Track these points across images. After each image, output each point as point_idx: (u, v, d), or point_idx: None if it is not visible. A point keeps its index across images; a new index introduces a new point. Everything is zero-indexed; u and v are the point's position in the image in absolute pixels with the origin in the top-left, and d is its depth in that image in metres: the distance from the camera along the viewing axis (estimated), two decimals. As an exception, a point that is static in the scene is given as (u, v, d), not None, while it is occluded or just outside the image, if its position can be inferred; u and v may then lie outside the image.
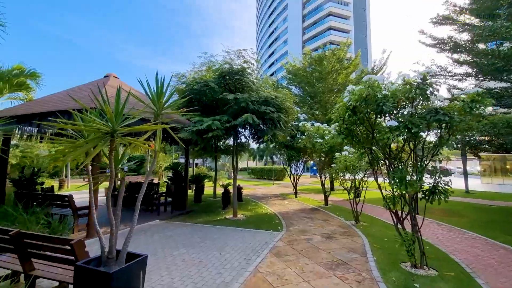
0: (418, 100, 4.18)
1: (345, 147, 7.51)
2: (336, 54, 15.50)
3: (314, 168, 38.25)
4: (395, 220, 4.53)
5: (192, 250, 5.11)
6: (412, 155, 4.43)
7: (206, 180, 12.41)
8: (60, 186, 16.70)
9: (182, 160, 16.41)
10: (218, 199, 12.49)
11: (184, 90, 8.22)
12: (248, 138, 9.50)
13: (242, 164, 46.56)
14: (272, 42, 74.96)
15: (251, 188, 18.38)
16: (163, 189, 11.90)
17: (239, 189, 11.79)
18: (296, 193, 13.32)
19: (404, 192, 3.94)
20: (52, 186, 8.41)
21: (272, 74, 59.17)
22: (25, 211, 5.92)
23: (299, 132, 11.62)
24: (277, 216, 8.66)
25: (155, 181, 16.65)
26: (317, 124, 10.40)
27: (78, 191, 16.46)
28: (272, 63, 71.18)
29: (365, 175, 7.55)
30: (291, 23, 65.40)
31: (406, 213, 4.39)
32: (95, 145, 2.39)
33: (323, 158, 10.80)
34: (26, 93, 9.22)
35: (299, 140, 10.99)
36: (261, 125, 7.27)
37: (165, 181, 10.10)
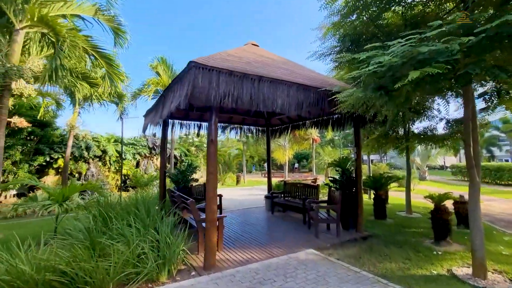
0: None
1: None
2: None
3: None
4: None
5: None
6: None
7: (392, 183, 7.86)
8: (237, 182, 18.00)
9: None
10: (416, 216, 7.61)
11: (339, 25, 4.54)
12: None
13: (431, 160, 33.96)
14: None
15: (471, 199, 11.15)
16: (324, 192, 8.76)
17: (461, 203, 6.40)
18: None
19: None
20: (204, 184, 7.62)
21: None
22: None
23: None
24: None
25: (319, 180, 13.89)
26: None
27: (248, 187, 16.84)
28: None
29: None
30: None
31: None
32: None
33: None
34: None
35: None
36: None
37: (326, 184, 6.85)
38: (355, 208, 5.86)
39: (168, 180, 7.75)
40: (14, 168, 9.57)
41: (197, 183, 7.81)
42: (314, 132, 18.00)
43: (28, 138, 9.77)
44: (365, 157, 14.34)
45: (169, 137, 15.97)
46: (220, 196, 7.42)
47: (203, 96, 3.52)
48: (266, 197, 8.57)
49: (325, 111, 4.79)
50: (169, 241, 3.92)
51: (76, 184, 5.88)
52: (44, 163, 10.71)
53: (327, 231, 5.89)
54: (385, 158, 29.44)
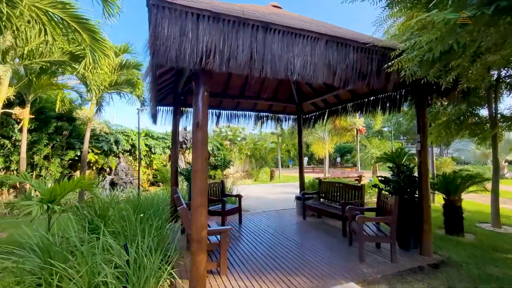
0: None
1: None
2: None
3: None
4: None
5: None
6: None
7: (473, 185, 5.65)
8: (271, 177, 16.69)
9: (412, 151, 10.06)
10: (509, 231, 5.41)
11: None
12: None
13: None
14: None
15: None
16: (372, 193, 6.92)
17: None
18: None
19: None
20: (222, 181, 6.50)
21: None
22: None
23: None
24: None
25: (364, 178, 11.75)
26: None
27: (283, 184, 15.38)
28: None
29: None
30: None
31: None
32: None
33: None
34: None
35: None
36: None
37: (374, 185, 5.14)
38: (419, 221, 4.12)
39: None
40: (46, 162, 9.72)
41: (213, 181, 6.74)
42: (358, 121, 15.67)
43: (55, 132, 9.84)
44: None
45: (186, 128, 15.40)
46: (239, 197, 6.24)
47: (171, 54, 2.26)
48: (297, 198, 7.13)
49: (372, 81, 3.19)
50: (145, 262, 2.83)
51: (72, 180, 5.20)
52: (76, 158, 10.80)
53: (377, 251, 4.26)
54: (446, 151, 25.18)
